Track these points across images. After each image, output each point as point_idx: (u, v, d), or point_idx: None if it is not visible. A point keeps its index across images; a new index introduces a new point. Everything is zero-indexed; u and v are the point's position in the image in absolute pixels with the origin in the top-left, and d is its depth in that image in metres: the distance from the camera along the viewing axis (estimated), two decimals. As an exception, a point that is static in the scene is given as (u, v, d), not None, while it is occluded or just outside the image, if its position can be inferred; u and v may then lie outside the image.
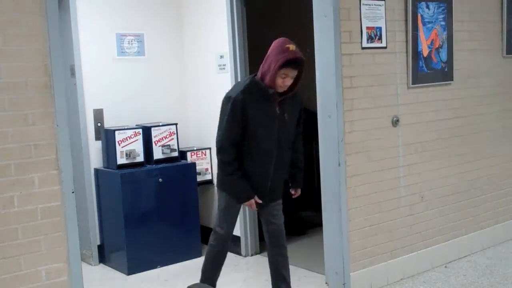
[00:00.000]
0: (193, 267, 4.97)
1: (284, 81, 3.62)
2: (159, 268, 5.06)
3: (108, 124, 5.23)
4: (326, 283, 4.32)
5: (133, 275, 4.96)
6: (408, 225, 4.55)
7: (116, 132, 5.00)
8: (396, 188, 4.46)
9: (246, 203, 3.78)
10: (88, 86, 5.13)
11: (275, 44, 3.68)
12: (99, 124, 5.22)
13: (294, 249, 5.04)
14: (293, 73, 3.63)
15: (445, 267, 4.75)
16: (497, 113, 5.20)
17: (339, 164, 4.07)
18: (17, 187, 2.82)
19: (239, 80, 5.01)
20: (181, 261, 5.16)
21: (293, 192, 4.05)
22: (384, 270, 4.40)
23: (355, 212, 4.20)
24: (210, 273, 3.94)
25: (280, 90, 3.66)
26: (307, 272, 4.77)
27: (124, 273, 5.00)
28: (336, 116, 4.04)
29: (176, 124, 5.31)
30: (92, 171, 5.23)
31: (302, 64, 3.64)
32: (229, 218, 3.88)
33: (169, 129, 5.25)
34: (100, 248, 5.29)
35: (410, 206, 4.55)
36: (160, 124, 5.28)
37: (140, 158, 5.09)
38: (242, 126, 3.66)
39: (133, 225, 4.98)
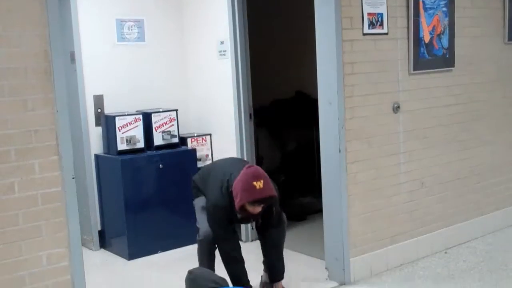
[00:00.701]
0: (194, 253, 4.96)
1: (254, 210, 3.60)
2: (159, 254, 5.08)
3: (108, 110, 5.23)
4: (326, 268, 4.33)
5: (134, 260, 4.98)
6: (408, 211, 4.56)
7: (117, 118, 4.99)
8: (397, 174, 4.46)
9: None
10: (88, 72, 5.12)
11: (243, 176, 3.58)
12: (99, 110, 5.22)
13: (294, 235, 5.06)
14: (261, 206, 3.60)
15: (445, 252, 4.77)
16: (498, 100, 5.19)
17: (339, 151, 4.07)
18: (17, 173, 2.83)
19: (239, 67, 5.05)
20: (182, 246, 5.17)
21: None
22: (384, 255, 4.41)
23: (355, 198, 4.20)
24: (206, 264, 3.96)
25: (252, 214, 3.65)
26: (307, 257, 4.79)
27: (125, 258, 5.02)
28: (337, 103, 4.03)
29: (176, 110, 5.30)
30: (93, 157, 5.23)
31: (271, 200, 3.61)
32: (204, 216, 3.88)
33: (169, 115, 5.25)
34: (101, 233, 5.31)
35: (410, 192, 4.56)
36: (160, 110, 5.27)
37: (141, 144, 5.09)
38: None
39: (133, 211, 4.99)
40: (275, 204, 3.80)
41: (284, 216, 4.00)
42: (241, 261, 3.79)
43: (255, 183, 3.52)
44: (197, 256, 3.99)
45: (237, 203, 3.55)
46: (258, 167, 3.72)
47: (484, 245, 4.92)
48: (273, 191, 3.60)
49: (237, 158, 4.38)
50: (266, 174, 3.64)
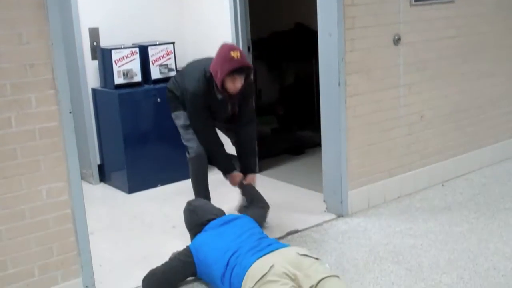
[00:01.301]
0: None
1: (235, 84, 3.78)
2: (159, 187, 5.12)
3: (104, 43, 5.15)
4: (324, 201, 4.38)
5: (134, 194, 5.03)
6: (406, 144, 4.57)
7: (113, 51, 4.92)
8: (396, 107, 4.44)
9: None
10: (82, 4, 5.01)
11: (220, 51, 3.79)
12: (95, 43, 5.14)
13: (293, 169, 5.09)
14: (241, 77, 3.79)
15: (442, 185, 4.81)
16: (500, 32, 5.11)
17: (339, 84, 4.03)
18: (14, 107, 2.80)
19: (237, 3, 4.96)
20: (181, 180, 5.20)
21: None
22: (382, 188, 4.45)
23: (354, 132, 4.20)
24: (201, 190, 4.12)
25: (233, 92, 3.83)
26: (306, 190, 4.83)
27: (125, 192, 5.07)
28: (337, 34, 3.96)
29: (173, 43, 5.22)
30: (90, 91, 5.19)
31: (249, 70, 3.83)
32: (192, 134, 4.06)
33: (166, 48, 5.17)
34: (101, 167, 5.34)
35: (409, 126, 4.55)
36: (157, 43, 5.19)
37: (138, 78, 5.04)
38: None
39: (132, 145, 5.00)
40: (251, 89, 4.10)
41: (256, 117, 4.29)
42: (222, 146, 4.08)
43: (232, 53, 3.71)
44: (191, 178, 4.14)
45: (219, 78, 3.73)
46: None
47: (481, 177, 4.96)
48: (250, 62, 3.82)
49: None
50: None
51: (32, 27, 2.81)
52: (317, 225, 4.12)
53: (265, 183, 4.90)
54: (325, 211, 4.33)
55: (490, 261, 3.46)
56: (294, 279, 2.76)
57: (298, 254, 2.92)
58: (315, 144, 5.34)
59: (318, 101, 4.31)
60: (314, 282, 2.73)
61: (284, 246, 3.11)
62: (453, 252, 3.61)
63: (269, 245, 3.05)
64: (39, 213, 2.93)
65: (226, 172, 4.15)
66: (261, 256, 2.90)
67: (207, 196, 4.12)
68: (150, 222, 4.40)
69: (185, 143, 4.10)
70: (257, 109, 5.35)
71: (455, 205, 4.40)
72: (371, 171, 4.37)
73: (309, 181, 4.94)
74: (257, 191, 4.13)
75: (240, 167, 4.20)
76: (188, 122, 4.05)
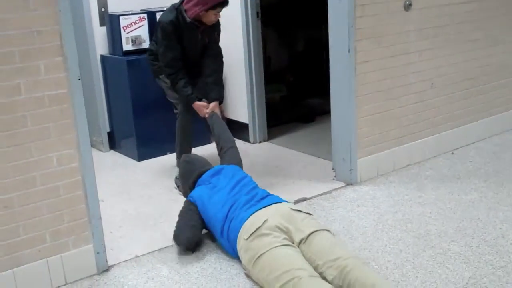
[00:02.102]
0: (203, 153, 5.02)
1: (216, 16, 4.15)
2: (168, 155, 5.14)
3: (112, 9, 5.11)
4: (333, 169, 4.38)
5: (144, 161, 5.05)
6: (416, 112, 4.54)
7: (121, 18, 4.89)
8: (406, 74, 4.40)
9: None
10: (90, -30, 4.96)
11: None
12: (103, 9, 5.10)
13: (302, 136, 5.09)
14: (222, 9, 4.12)
15: (452, 153, 4.79)
16: (513, -3, 5.02)
17: (348, 50, 3.99)
18: (22, 74, 2.79)
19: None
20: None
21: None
22: (391, 156, 4.44)
23: (364, 99, 4.17)
24: (184, 144, 4.47)
25: (209, 24, 4.17)
26: (314, 158, 4.84)
27: (135, 159, 5.09)
28: (347, 0, 3.91)
29: (182, 9, 5.17)
30: (98, 58, 5.18)
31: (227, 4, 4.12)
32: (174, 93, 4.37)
33: (175, 15, 5.11)
34: (110, 134, 5.35)
35: (419, 93, 4.52)
36: (165, 8, 5.13)
37: (146, 45, 5.00)
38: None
39: (141, 112, 5.00)
40: (218, 24, 4.31)
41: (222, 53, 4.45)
42: (186, 79, 4.24)
43: None
44: (177, 132, 4.47)
45: (198, 10, 4.04)
46: None
47: (491, 145, 4.93)
48: None
49: None
50: None
51: (40, -7, 2.79)
52: (326, 193, 4.13)
53: (274, 151, 4.90)
54: (334, 179, 4.34)
55: (499, 230, 3.47)
56: (286, 232, 2.94)
57: (291, 209, 3.09)
58: (325, 111, 5.31)
59: (327, 67, 4.27)
60: (304, 235, 2.90)
61: (277, 199, 3.26)
62: (462, 221, 3.61)
63: (262, 198, 3.24)
64: (50, 180, 2.95)
65: (189, 102, 4.27)
66: (256, 211, 3.08)
67: (189, 151, 4.39)
68: (160, 189, 4.43)
69: (172, 100, 4.49)
70: (266, 77, 5.34)
71: (464, 173, 4.39)
72: (380, 139, 4.36)
73: (318, 149, 4.94)
74: (223, 127, 4.19)
75: (207, 94, 4.32)
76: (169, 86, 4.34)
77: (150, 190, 4.42)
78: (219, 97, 4.33)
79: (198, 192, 3.49)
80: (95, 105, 5.17)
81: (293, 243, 2.90)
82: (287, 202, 3.27)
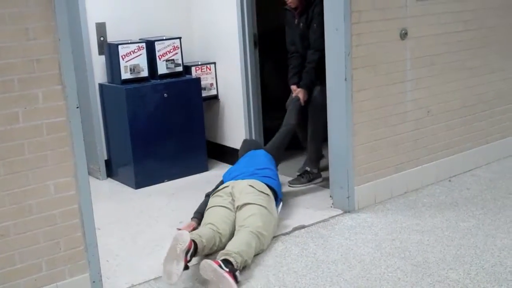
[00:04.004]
0: (200, 181, 5.05)
1: None
2: (166, 182, 5.13)
3: (111, 38, 5.15)
4: (330, 196, 4.38)
5: (141, 189, 5.04)
6: (413, 139, 4.55)
7: (120, 47, 4.93)
8: (403, 102, 4.43)
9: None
10: (89, -1, 5.02)
11: None
12: (102, 39, 5.14)
13: (299, 163, 5.08)
14: None
15: (449, 180, 4.80)
16: (508, 26, 5.08)
17: (345, 79, 4.02)
18: (21, 102, 2.81)
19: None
20: (188, 175, 5.23)
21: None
22: (389, 183, 4.44)
23: (361, 127, 4.19)
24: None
25: (292, 5, 4.71)
26: (312, 186, 4.83)
27: (132, 187, 5.08)
28: (344, 29, 3.95)
29: (180, 38, 5.22)
30: (97, 86, 5.21)
31: None
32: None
33: (173, 43, 5.17)
34: (108, 162, 5.35)
35: (416, 121, 4.54)
36: (164, 38, 5.19)
37: (145, 73, 5.05)
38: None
39: (139, 140, 5.01)
40: (318, 10, 4.54)
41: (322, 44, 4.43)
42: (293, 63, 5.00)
43: None
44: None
45: None
46: None
47: (489, 173, 4.94)
48: None
49: None
50: None
51: (39, 23, 2.82)
52: (323, 221, 4.11)
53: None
54: (331, 206, 4.33)
55: (496, 257, 3.45)
56: (233, 198, 3.85)
57: (248, 185, 3.90)
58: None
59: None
60: (239, 203, 3.75)
61: (255, 177, 4.02)
62: (459, 248, 3.60)
63: (250, 174, 4.06)
64: (47, 208, 2.94)
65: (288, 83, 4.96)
66: (232, 179, 4.06)
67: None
68: (157, 217, 4.41)
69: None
70: (264, 104, 5.37)
71: (462, 200, 4.38)
72: (377, 166, 4.36)
73: (316, 176, 4.92)
74: (293, 110, 4.80)
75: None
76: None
77: (147, 218, 4.40)
78: (303, 85, 4.80)
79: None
80: (93, 133, 5.18)
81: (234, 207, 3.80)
82: (257, 180, 3.98)
